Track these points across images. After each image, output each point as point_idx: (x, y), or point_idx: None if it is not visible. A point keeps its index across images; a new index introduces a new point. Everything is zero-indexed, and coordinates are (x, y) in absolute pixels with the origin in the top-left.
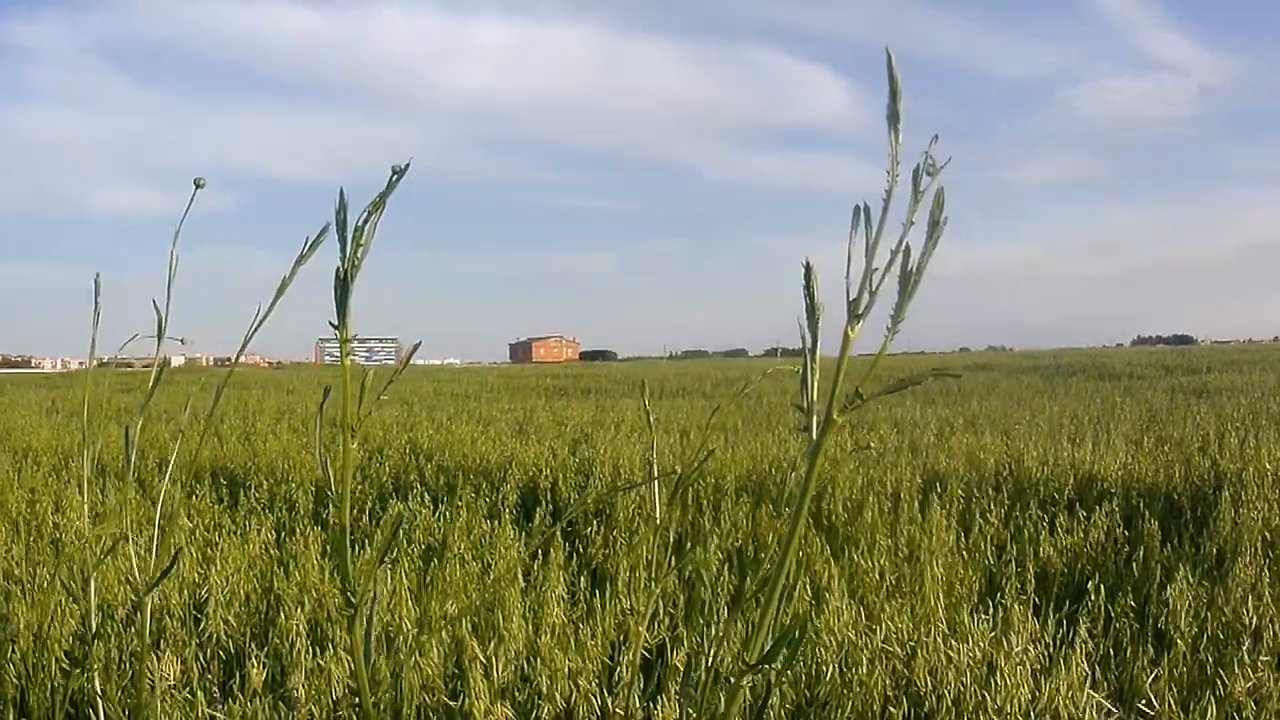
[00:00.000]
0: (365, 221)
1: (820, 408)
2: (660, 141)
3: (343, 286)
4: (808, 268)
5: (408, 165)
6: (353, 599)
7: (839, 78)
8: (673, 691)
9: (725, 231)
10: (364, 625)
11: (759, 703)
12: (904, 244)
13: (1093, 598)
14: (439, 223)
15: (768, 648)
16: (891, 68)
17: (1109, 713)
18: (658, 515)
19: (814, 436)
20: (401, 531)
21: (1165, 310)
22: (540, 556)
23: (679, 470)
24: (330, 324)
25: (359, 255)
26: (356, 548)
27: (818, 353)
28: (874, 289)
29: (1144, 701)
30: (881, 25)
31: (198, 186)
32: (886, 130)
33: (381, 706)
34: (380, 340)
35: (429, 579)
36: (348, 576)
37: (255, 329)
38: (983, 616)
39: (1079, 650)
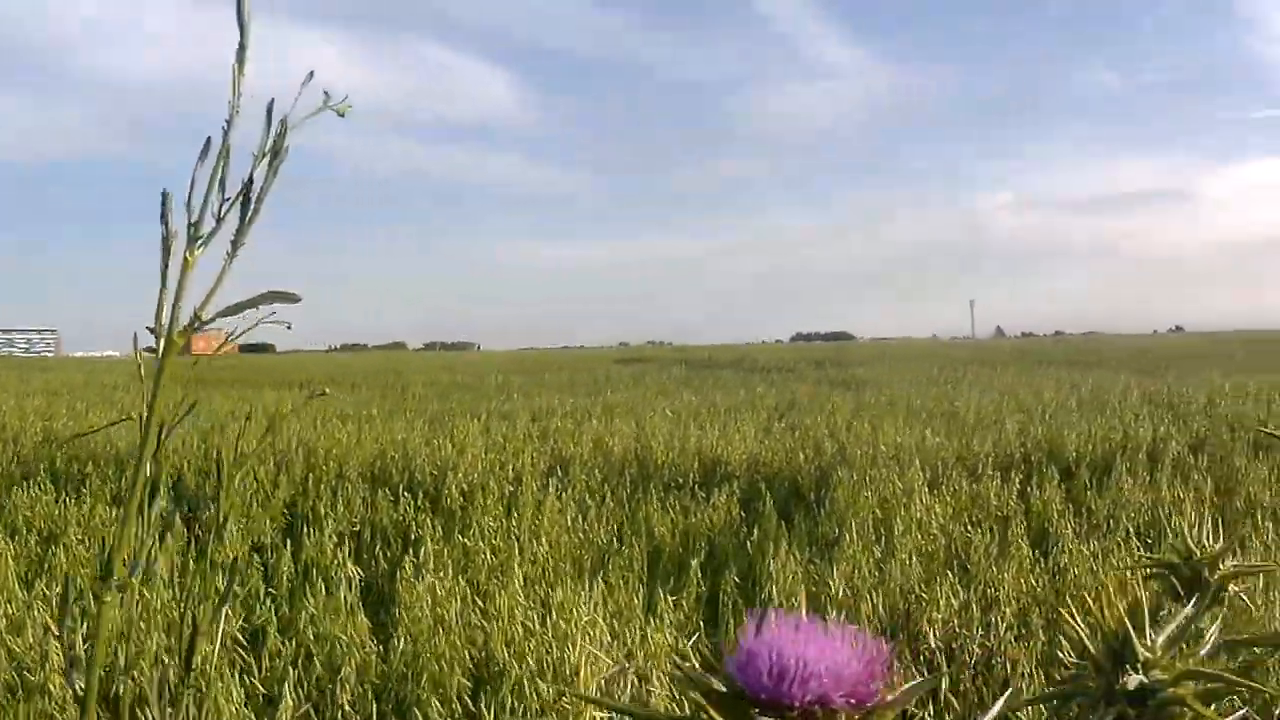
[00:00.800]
0: None
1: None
2: (321, 132)
3: None
4: (164, 196)
5: None
6: None
7: (508, 74)
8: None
9: (383, 224)
10: None
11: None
12: (251, 174)
13: (696, 575)
14: (104, 208)
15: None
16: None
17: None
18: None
19: (157, 359)
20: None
21: (827, 308)
22: (157, 541)
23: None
24: None
25: None
26: None
27: (167, 277)
28: (220, 215)
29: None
30: (550, 22)
31: None
32: (232, 64)
33: None
34: (39, 332)
35: (45, 565)
36: None
37: None
38: (582, 592)
39: (666, 621)
